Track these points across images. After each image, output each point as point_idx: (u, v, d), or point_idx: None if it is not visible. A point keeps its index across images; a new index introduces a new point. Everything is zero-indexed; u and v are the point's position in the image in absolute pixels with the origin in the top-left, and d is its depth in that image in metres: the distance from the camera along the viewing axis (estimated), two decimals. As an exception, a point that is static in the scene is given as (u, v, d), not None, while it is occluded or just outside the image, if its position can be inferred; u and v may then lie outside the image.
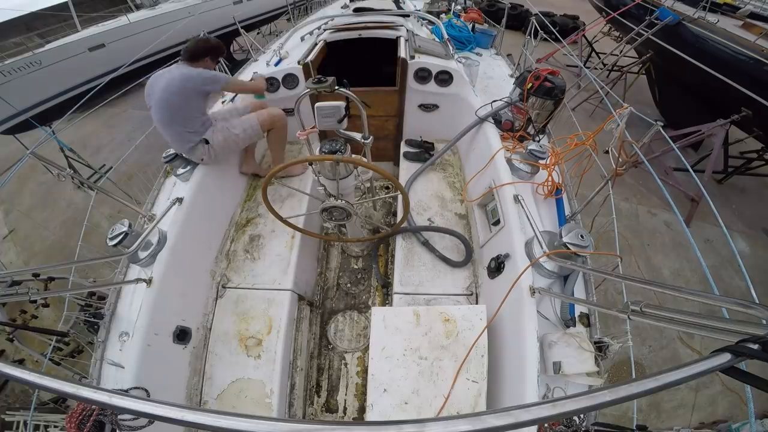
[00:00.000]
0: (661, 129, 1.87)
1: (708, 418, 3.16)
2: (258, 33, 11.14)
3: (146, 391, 1.64)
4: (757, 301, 0.67)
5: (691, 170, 2.09)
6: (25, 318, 3.53)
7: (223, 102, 3.27)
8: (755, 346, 0.47)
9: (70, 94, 6.40)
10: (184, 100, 2.23)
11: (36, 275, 3.50)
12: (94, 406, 1.32)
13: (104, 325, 1.83)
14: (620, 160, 1.82)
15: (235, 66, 4.20)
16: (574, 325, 1.68)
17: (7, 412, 3.03)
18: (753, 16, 6.30)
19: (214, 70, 2.49)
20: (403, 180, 2.89)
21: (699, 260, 1.67)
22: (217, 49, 2.44)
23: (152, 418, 0.39)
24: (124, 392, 0.49)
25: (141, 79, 5.00)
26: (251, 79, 2.79)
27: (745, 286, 1.54)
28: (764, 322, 0.58)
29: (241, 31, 5.11)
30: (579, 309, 1.74)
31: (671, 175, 5.42)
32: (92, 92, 3.78)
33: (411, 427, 0.38)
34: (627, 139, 1.87)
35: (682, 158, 2.19)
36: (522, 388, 1.52)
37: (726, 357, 0.47)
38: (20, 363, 3.39)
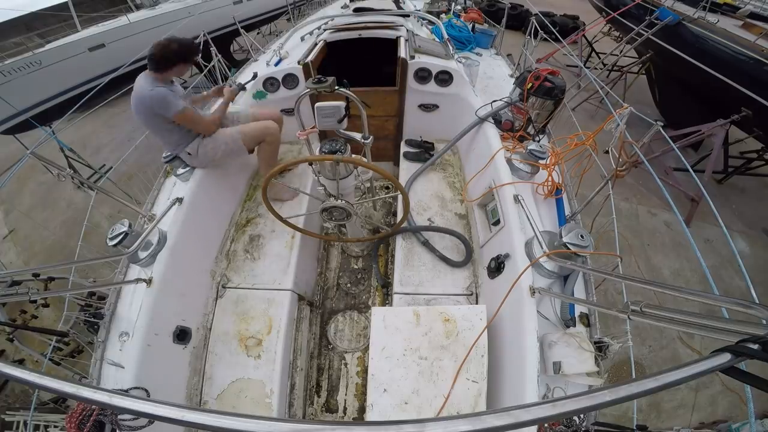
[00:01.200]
0: (661, 129, 1.87)
1: (708, 418, 3.16)
2: (258, 33, 11.14)
3: (146, 391, 1.64)
4: (757, 301, 0.67)
5: (691, 170, 2.08)
6: (25, 318, 3.53)
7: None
8: (755, 346, 0.47)
9: (70, 94, 6.40)
10: (148, 119, 2.16)
11: (36, 275, 3.50)
12: (94, 406, 1.32)
13: (104, 325, 1.83)
14: (620, 160, 1.82)
15: (235, 66, 4.20)
16: (574, 325, 1.68)
17: (7, 412, 3.03)
18: (753, 16, 6.30)
19: (186, 72, 2.31)
20: (403, 180, 2.88)
21: (699, 260, 1.67)
22: (188, 52, 2.15)
23: (152, 418, 0.39)
24: (124, 392, 0.49)
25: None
26: (224, 95, 2.53)
27: (745, 286, 1.54)
28: (764, 322, 0.58)
29: (241, 31, 5.12)
30: (579, 309, 1.74)
31: (671, 175, 5.42)
32: (92, 92, 3.78)
33: (411, 427, 0.38)
34: (627, 139, 1.87)
35: (682, 158, 2.18)
36: (522, 388, 1.52)
37: (726, 357, 0.47)
38: (20, 363, 3.39)
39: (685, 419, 3.17)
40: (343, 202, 2.01)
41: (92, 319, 1.90)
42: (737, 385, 3.20)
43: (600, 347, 1.56)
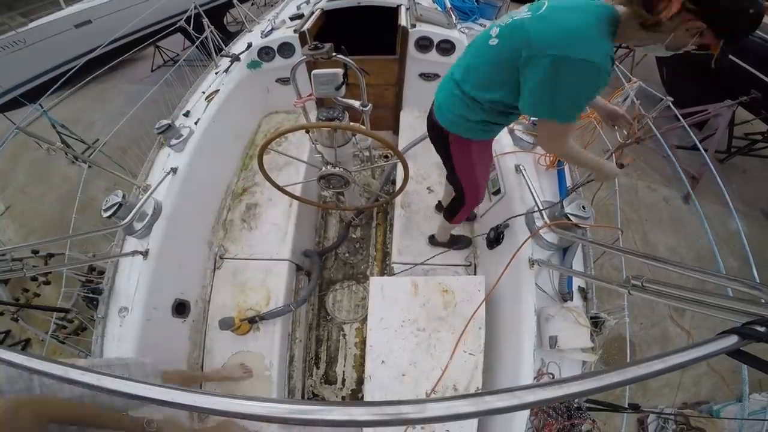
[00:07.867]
0: (671, 104, 1.82)
1: (691, 398, 3.21)
2: (252, 4, 10.66)
3: None
4: (758, 281, 0.65)
5: (700, 146, 2.04)
6: (28, 297, 3.55)
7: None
8: (762, 329, 0.46)
9: (59, 71, 6.21)
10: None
11: (35, 252, 3.49)
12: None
13: (103, 300, 1.81)
14: (627, 133, 1.76)
15: (229, 38, 4.02)
16: (572, 299, 1.67)
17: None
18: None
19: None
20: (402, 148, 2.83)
21: (706, 235, 1.64)
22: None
23: (143, 400, 0.38)
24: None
25: (129, 53, 4.88)
26: None
27: (738, 266, 1.54)
28: None
29: (235, 2, 4.88)
30: (577, 283, 1.72)
31: (674, 152, 5.36)
32: (74, 68, 3.69)
33: (411, 407, 0.37)
34: (641, 112, 1.81)
35: (692, 134, 2.14)
36: (518, 362, 1.54)
37: (733, 339, 0.45)
38: (26, 342, 3.45)
39: (669, 399, 3.23)
40: (341, 169, 1.96)
41: (91, 295, 1.89)
42: (721, 366, 3.25)
43: (596, 323, 1.57)
